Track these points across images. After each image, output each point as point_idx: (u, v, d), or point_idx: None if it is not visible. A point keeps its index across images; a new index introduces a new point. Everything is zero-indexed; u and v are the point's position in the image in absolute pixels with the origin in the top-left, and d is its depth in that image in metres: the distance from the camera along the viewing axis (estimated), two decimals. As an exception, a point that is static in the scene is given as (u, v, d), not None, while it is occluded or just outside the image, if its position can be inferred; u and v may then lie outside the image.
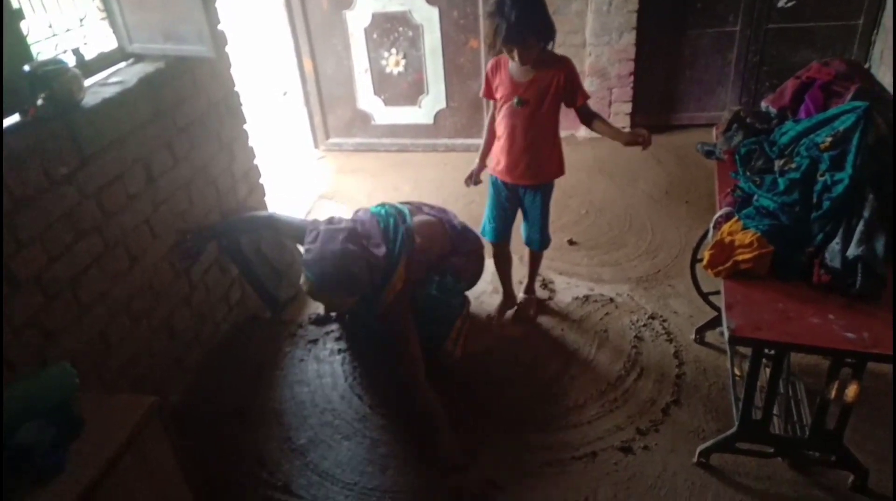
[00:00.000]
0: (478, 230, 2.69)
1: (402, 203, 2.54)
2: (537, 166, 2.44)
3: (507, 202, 2.57)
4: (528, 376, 2.47)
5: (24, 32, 1.96)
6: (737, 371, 2.21)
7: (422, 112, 4.33)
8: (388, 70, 4.21)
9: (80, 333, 1.92)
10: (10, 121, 1.83)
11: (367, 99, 4.34)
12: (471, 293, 2.88)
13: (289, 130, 4.71)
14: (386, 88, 4.28)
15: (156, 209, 2.26)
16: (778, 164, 1.82)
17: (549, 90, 2.28)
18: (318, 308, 2.91)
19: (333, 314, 2.81)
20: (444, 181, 3.98)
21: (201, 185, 2.53)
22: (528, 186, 2.49)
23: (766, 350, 1.70)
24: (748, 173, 1.87)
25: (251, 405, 2.43)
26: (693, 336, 2.56)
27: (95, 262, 1.98)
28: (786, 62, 4.04)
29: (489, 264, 2.81)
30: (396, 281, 2.21)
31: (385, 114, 4.38)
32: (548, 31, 2.19)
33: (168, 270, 2.34)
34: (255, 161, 2.98)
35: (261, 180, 3.03)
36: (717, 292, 2.48)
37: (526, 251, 2.76)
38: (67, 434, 1.45)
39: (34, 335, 1.76)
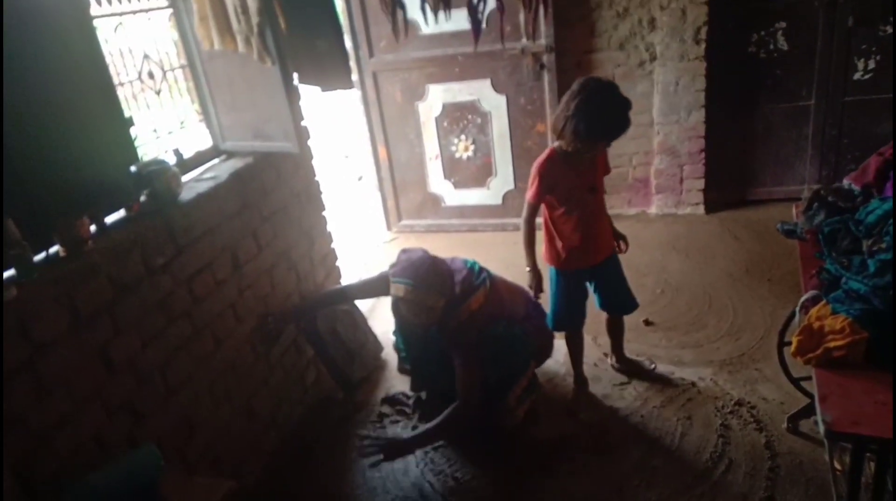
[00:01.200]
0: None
1: None
2: (609, 236, 2.54)
3: (585, 288, 2.59)
4: (608, 465, 2.36)
5: (133, 137, 2.18)
6: (837, 465, 2.03)
7: (490, 194, 4.43)
8: (457, 155, 4.37)
9: (167, 415, 2.00)
10: (116, 216, 2.02)
11: (438, 182, 4.49)
12: (544, 376, 2.83)
13: (363, 213, 4.92)
14: (455, 171, 4.42)
15: (241, 294, 2.38)
16: (866, 244, 1.74)
17: (602, 169, 2.45)
18: (390, 389, 2.92)
19: (404, 394, 2.82)
20: (513, 260, 3.99)
21: (283, 270, 2.66)
22: (608, 256, 2.54)
23: (870, 445, 1.57)
24: (834, 254, 1.79)
25: (325, 489, 2.43)
26: (785, 425, 2.39)
27: (184, 346, 2.09)
28: (867, 134, 3.92)
29: (560, 346, 2.77)
30: (473, 302, 2.36)
31: (455, 196, 4.50)
32: None
33: (249, 352, 2.43)
34: (333, 245, 3.11)
35: (337, 264, 3.15)
36: (810, 378, 2.34)
37: (602, 329, 2.75)
38: (151, 518, 1.50)
39: (125, 417, 1.85)
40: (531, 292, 2.58)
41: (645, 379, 2.78)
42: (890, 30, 3.70)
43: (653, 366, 2.81)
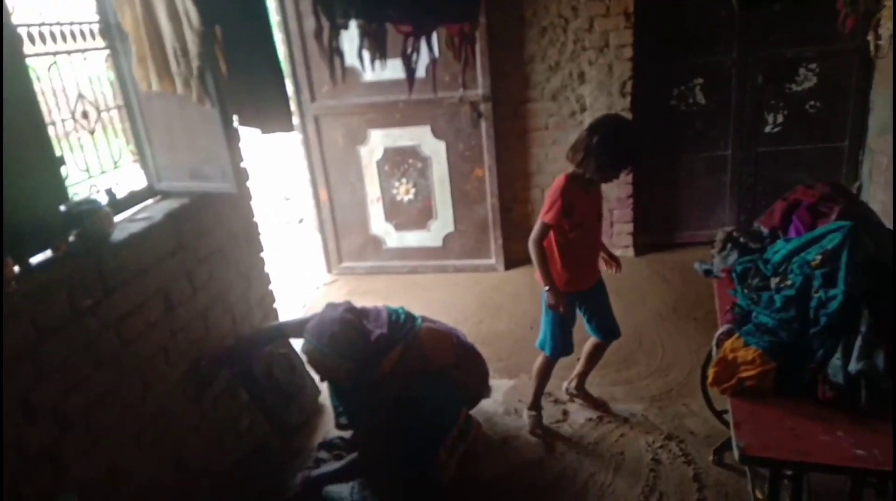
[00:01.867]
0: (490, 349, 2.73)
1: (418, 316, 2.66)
2: (598, 261, 2.70)
3: (576, 313, 2.71)
4: (544, 503, 2.39)
5: (64, 175, 2.14)
6: (759, 494, 2.12)
7: (430, 236, 4.50)
8: (398, 198, 4.44)
9: (90, 465, 1.92)
10: (41, 257, 1.96)
11: (379, 224, 4.54)
12: (481, 415, 2.85)
13: (302, 255, 4.89)
14: (397, 214, 4.49)
15: (173, 337, 2.32)
16: (774, 281, 1.88)
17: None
18: (328, 433, 2.88)
19: (339, 437, 2.78)
20: (454, 301, 4.05)
21: (218, 312, 2.62)
22: (598, 279, 2.68)
23: (784, 471, 1.67)
24: (746, 291, 1.92)
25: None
26: (711, 458, 2.49)
27: (111, 391, 2.01)
28: (779, 182, 4.22)
29: (503, 385, 2.81)
30: (386, 363, 2.36)
31: (396, 238, 4.55)
32: None
33: (180, 397, 2.36)
34: (270, 287, 3.08)
35: (275, 305, 3.12)
36: (731, 411, 2.46)
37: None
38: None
39: (45, 467, 1.76)
40: (461, 336, 2.64)
41: (580, 416, 2.84)
42: (795, 87, 4.06)
43: (604, 406, 2.89)
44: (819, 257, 1.76)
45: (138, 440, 2.13)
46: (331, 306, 2.48)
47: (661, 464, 2.51)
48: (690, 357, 3.19)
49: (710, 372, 1.72)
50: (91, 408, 1.93)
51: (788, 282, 1.82)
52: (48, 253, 1.97)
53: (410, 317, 2.59)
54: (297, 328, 2.70)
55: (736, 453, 1.46)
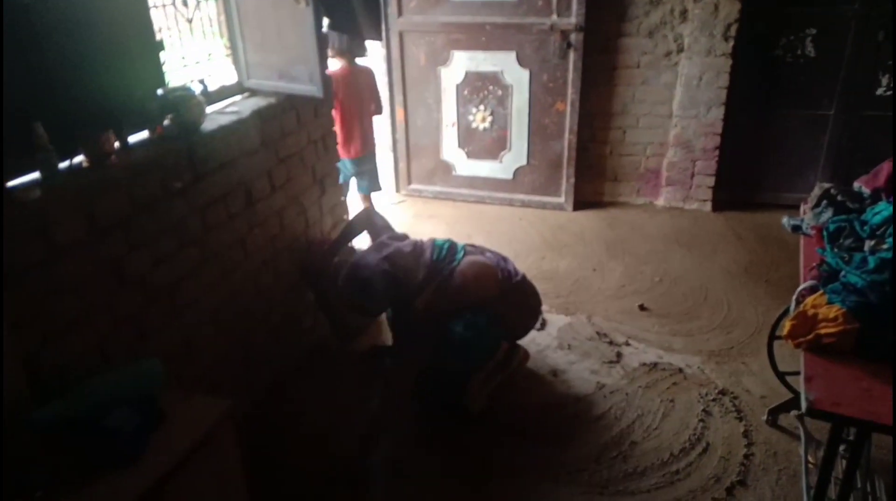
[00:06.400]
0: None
1: (468, 244, 2.69)
2: None
3: None
4: (589, 435, 2.42)
5: (162, 61, 2.20)
6: (810, 459, 2.09)
7: (502, 167, 4.45)
8: (474, 125, 4.38)
9: (169, 336, 2.05)
10: (139, 136, 2.05)
11: (451, 150, 4.51)
12: (534, 346, 2.89)
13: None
14: (470, 141, 4.44)
15: (251, 230, 2.42)
16: (868, 244, 1.78)
17: None
18: (386, 341, 2.98)
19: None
20: (518, 236, 4.04)
21: (293, 213, 2.69)
22: None
23: (845, 435, 1.63)
24: (836, 250, 1.83)
25: (310, 430, 2.49)
26: (765, 417, 2.45)
27: (192, 272, 2.13)
28: (882, 150, 3.91)
29: (559, 321, 2.82)
30: (420, 303, 2.51)
31: (467, 166, 4.52)
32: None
33: (251, 287, 2.47)
34: (343, 198, 3.14)
35: (345, 216, 3.18)
36: (794, 373, 2.40)
37: (598, 308, 2.80)
38: (150, 424, 1.55)
39: (130, 331, 1.90)
40: (510, 268, 2.63)
41: (634, 359, 2.83)
42: (919, 48, 3.71)
43: None
44: (925, 223, 1.65)
45: (213, 320, 2.26)
46: (382, 243, 2.61)
47: (711, 416, 2.50)
48: (757, 319, 3.10)
49: (787, 324, 1.67)
50: (174, 284, 2.05)
51: (885, 246, 1.72)
52: (145, 134, 2.06)
53: (452, 251, 2.60)
54: (376, 230, 2.85)
55: (804, 405, 1.43)
